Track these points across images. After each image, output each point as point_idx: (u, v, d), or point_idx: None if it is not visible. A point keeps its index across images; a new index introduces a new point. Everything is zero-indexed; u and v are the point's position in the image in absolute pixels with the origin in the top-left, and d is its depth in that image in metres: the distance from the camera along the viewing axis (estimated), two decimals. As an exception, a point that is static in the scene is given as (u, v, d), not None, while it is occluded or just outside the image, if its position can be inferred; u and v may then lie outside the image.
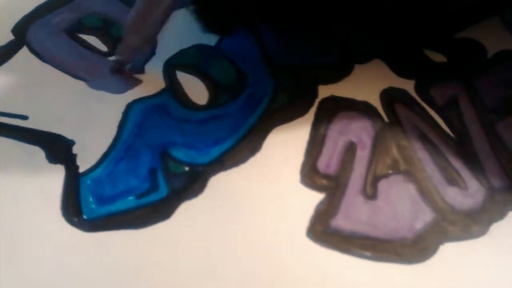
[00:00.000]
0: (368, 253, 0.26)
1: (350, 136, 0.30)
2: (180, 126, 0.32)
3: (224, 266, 0.26)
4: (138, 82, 0.33)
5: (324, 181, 0.29)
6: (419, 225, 0.27)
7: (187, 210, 0.28)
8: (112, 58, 0.34)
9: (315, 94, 0.33)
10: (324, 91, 0.33)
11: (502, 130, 0.30)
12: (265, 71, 0.34)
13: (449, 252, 0.26)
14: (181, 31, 0.36)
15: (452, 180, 0.29)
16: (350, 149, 0.30)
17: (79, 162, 0.30)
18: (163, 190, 0.29)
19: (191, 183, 0.29)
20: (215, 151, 0.30)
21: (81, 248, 0.27)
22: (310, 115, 0.32)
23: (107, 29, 0.36)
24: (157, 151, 0.30)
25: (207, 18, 0.33)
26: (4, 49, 0.35)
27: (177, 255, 0.27)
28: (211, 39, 0.35)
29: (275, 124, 0.31)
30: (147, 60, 0.35)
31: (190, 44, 0.35)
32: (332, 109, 0.32)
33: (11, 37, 0.36)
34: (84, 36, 0.36)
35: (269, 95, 0.33)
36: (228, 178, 0.29)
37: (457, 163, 0.29)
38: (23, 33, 0.36)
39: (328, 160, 0.30)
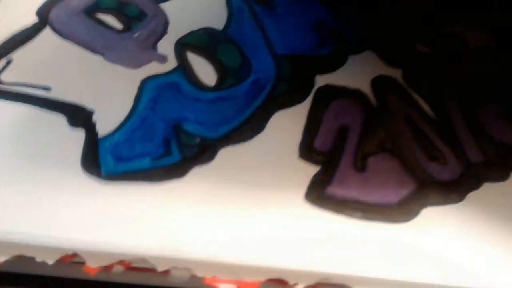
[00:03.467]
0: (358, 214, 0.29)
1: (343, 120, 0.34)
2: (191, 103, 0.34)
3: (230, 220, 0.29)
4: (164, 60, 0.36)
5: (320, 157, 0.32)
6: (403, 193, 0.30)
7: (198, 174, 0.31)
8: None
9: (312, 84, 0.36)
10: (321, 80, 0.36)
11: (480, 114, 0.34)
12: (267, 59, 0.37)
13: (430, 214, 0.30)
14: (191, 14, 0.39)
15: (434, 156, 0.32)
16: (343, 131, 0.33)
17: (98, 129, 0.33)
18: (176, 156, 0.32)
19: (201, 153, 0.32)
20: (223, 129, 0.33)
21: (99, 196, 0.30)
22: (308, 102, 0.35)
23: (122, 9, 0.39)
24: (171, 124, 0.33)
25: None
26: (29, 30, 0.38)
27: (188, 208, 0.29)
28: (219, 23, 0.38)
29: (277, 108, 0.34)
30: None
31: (199, 27, 0.38)
32: (327, 96, 0.35)
33: (35, 19, 0.39)
34: (101, 16, 0.39)
35: (271, 82, 0.36)
36: (235, 151, 0.32)
37: (438, 142, 0.32)
38: (46, 15, 0.39)
39: (323, 140, 0.33)
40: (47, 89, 0.35)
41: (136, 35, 0.38)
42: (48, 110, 0.34)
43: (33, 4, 0.39)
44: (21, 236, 0.28)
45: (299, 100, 0.35)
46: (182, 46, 0.37)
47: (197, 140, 0.33)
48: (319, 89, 0.35)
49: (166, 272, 0.28)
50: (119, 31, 0.38)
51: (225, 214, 0.29)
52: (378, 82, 0.36)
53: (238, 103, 0.35)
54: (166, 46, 0.37)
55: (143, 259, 0.28)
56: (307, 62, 0.37)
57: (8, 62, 0.36)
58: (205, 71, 0.36)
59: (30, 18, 0.38)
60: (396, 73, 0.36)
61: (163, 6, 0.39)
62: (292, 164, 0.32)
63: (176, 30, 0.38)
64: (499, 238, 0.29)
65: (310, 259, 0.28)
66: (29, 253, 0.28)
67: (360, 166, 0.32)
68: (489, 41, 0.36)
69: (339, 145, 0.33)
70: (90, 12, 0.39)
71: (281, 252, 0.28)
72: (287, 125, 0.34)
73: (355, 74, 0.36)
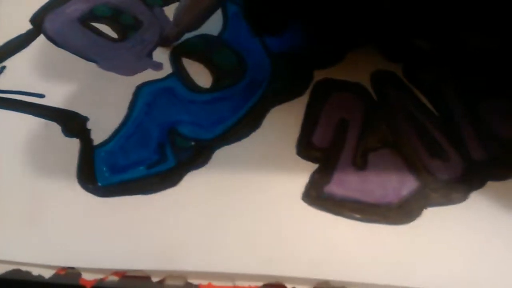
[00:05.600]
0: (357, 215, 0.29)
1: (343, 114, 0.33)
2: (186, 106, 0.34)
3: (226, 227, 0.29)
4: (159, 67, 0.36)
5: (318, 153, 0.31)
6: (404, 191, 0.29)
7: (193, 179, 0.31)
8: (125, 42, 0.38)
9: (310, 78, 0.35)
10: (319, 75, 0.35)
11: (482, 110, 0.33)
12: (263, 58, 0.36)
13: (431, 216, 0.29)
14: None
15: (435, 153, 0.31)
16: (343, 125, 0.32)
17: (93, 136, 0.32)
18: (171, 162, 0.31)
19: (197, 156, 0.31)
20: (219, 129, 0.33)
21: (95, 211, 0.29)
22: (306, 96, 0.34)
23: (117, 18, 0.39)
24: (165, 128, 0.33)
25: (256, 20, 0.36)
26: (23, 37, 0.38)
27: (183, 218, 0.29)
28: (214, 30, 0.38)
29: (273, 104, 0.34)
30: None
31: (195, 34, 0.38)
32: (327, 90, 0.34)
33: (29, 26, 0.39)
34: (96, 25, 0.39)
35: (267, 80, 0.35)
36: (231, 151, 0.32)
37: (440, 138, 0.32)
38: (40, 22, 0.39)
39: (322, 135, 0.32)
40: (41, 96, 0.34)
41: (131, 44, 0.37)
42: (42, 118, 0.33)
43: (26, 12, 0.39)
44: (15, 254, 0.28)
45: (297, 94, 0.34)
46: (177, 53, 0.37)
47: (192, 143, 0.32)
48: (317, 83, 0.35)
49: (161, 280, 0.28)
50: (114, 40, 0.38)
51: (220, 221, 0.29)
52: (378, 77, 0.35)
53: (234, 102, 0.34)
54: (161, 54, 0.37)
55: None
56: (304, 58, 0.36)
57: (2, 69, 0.36)
58: (200, 75, 0.36)
59: (24, 26, 0.38)
60: (396, 68, 0.35)
61: (159, 13, 0.39)
62: (289, 162, 0.31)
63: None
64: (505, 240, 0.28)
65: (307, 265, 0.27)
66: (25, 268, 0.28)
67: (360, 163, 0.31)
68: (490, 44, 0.35)
69: (339, 140, 0.32)
70: (84, 20, 0.39)
71: (278, 258, 0.27)
72: (285, 120, 0.33)
73: (355, 68, 0.35)
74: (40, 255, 0.28)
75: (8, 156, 0.32)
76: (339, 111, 0.33)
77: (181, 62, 0.36)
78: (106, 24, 0.39)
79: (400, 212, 0.29)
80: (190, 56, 0.37)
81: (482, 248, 0.28)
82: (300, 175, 0.30)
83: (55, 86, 0.35)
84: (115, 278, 0.28)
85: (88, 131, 0.33)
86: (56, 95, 0.34)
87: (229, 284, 0.27)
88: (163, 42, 0.37)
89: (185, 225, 0.29)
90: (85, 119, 0.33)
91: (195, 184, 0.30)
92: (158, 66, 0.36)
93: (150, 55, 0.37)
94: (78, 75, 0.36)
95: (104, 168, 0.31)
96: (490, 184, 0.30)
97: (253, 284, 0.27)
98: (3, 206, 0.30)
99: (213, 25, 0.38)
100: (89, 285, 0.27)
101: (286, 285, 0.27)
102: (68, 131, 0.33)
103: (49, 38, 0.38)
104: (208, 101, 0.34)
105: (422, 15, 0.36)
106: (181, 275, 0.27)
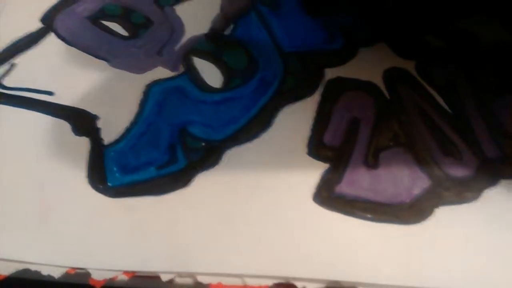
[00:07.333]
0: (369, 215, 0.28)
1: (354, 113, 0.33)
2: (197, 106, 0.34)
3: (237, 228, 0.28)
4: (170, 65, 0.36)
5: (330, 153, 0.31)
6: (416, 191, 0.29)
7: (203, 179, 0.30)
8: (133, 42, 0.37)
9: (322, 76, 0.35)
10: (330, 74, 0.35)
11: (496, 107, 0.32)
12: (275, 57, 0.36)
13: (444, 215, 0.28)
14: (196, 20, 0.38)
15: (448, 151, 0.31)
16: (354, 124, 0.32)
17: (103, 135, 0.32)
18: (181, 162, 0.31)
19: (207, 156, 0.31)
20: (230, 129, 0.33)
21: (106, 211, 0.29)
22: (317, 95, 0.34)
23: (127, 16, 0.39)
24: (176, 128, 0.33)
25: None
26: (33, 35, 0.38)
27: (194, 219, 0.29)
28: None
29: (284, 103, 0.34)
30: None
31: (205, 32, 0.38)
32: (338, 89, 0.34)
33: (40, 25, 0.39)
34: (106, 23, 0.39)
35: (278, 79, 0.35)
36: (242, 151, 0.31)
37: (453, 136, 0.31)
38: (50, 21, 0.39)
39: (334, 134, 0.32)
40: (50, 94, 0.34)
41: (141, 42, 0.37)
42: (52, 116, 0.33)
43: (35, 10, 0.39)
44: (24, 253, 0.28)
45: (308, 93, 0.34)
46: (188, 51, 0.37)
47: (203, 144, 0.32)
48: (329, 82, 0.34)
49: (171, 279, 0.28)
50: (124, 38, 0.38)
51: (230, 222, 0.29)
52: (390, 74, 0.34)
53: (244, 102, 0.34)
54: (171, 52, 0.36)
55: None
56: (316, 58, 0.36)
57: (12, 67, 0.36)
58: (211, 75, 0.35)
59: (32, 24, 0.38)
60: (409, 65, 0.35)
61: (170, 12, 0.39)
62: (300, 162, 0.31)
63: (182, 36, 0.37)
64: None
65: (318, 265, 0.27)
66: (34, 268, 0.28)
67: (371, 162, 0.31)
68: (502, 35, 0.35)
69: (350, 139, 0.32)
70: (95, 19, 0.39)
71: (289, 259, 0.27)
72: (296, 120, 0.33)
73: (366, 66, 0.35)
74: (49, 256, 0.28)
75: (16, 155, 0.32)
76: (350, 110, 0.33)
77: (192, 60, 0.36)
78: (117, 23, 0.39)
79: (412, 211, 0.28)
80: (201, 54, 0.36)
81: (496, 247, 0.27)
82: (311, 175, 0.30)
83: (64, 83, 0.35)
84: (124, 278, 0.28)
85: (98, 130, 0.33)
86: (66, 93, 0.34)
87: (239, 283, 0.27)
88: (211, 32, 0.37)
89: (195, 226, 0.29)
90: (95, 117, 0.33)
91: (206, 185, 0.30)
92: (168, 65, 0.36)
93: (160, 53, 0.37)
94: (88, 73, 0.35)
95: (115, 168, 0.31)
96: (503, 182, 0.29)
97: (264, 283, 0.27)
98: (12, 205, 0.30)
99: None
100: (98, 285, 0.27)
101: (297, 284, 0.27)
102: (78, 130, 0.33)
103: (60, 36, 0.38)
104: (218, 101, 0.34)
105: (433, 11, 0.36)
106: (191, 274, 0.27)
